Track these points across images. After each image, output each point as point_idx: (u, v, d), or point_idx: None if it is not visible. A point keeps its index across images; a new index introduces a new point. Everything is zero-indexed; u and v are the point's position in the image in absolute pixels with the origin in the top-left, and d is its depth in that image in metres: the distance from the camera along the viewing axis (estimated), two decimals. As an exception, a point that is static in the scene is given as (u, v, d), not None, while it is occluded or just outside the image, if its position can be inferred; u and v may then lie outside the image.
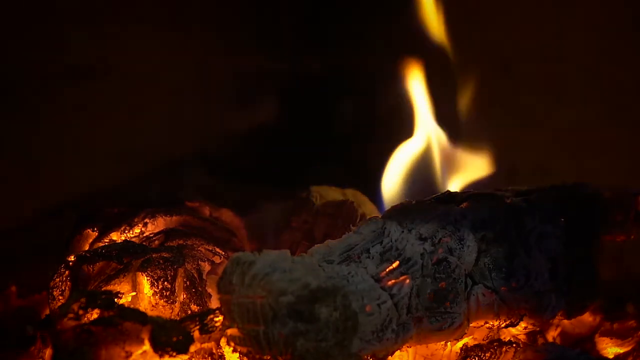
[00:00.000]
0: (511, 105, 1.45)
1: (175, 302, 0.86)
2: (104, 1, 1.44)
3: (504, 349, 0.85)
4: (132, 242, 0.92)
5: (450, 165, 1.09)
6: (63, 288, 0.88)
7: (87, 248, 0.95)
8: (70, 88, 1.40)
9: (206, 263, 0.93)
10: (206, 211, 1.04)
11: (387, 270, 0.77)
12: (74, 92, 1.41)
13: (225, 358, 0.82)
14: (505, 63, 1.44)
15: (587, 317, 0.97)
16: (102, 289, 0.84)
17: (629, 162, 1.28)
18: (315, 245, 0.80)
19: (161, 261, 0.87)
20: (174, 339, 0.75)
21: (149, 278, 0.86)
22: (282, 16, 1.69)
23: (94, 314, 0.76)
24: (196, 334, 0.77)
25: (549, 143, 1.39)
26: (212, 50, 1.61)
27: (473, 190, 0.89)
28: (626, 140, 1.29)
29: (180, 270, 0.88)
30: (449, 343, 0.87)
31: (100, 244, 0.94)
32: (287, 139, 1.72)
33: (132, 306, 0.83)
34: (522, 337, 0.90)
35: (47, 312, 0.90)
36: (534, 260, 0.83)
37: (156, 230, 0.96)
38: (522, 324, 0.86)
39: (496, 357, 0.85)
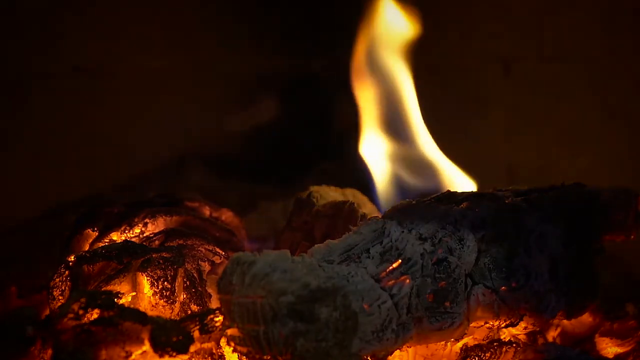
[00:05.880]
0: (511, 105, 1.45)
1: (175, 302, 0.86)
2: (105, 1, 1.44)
3: (504, 349, 0.85)
4: (132, 242, 0.92)
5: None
6: (63, 288, 0.88)
7: (87, 248, 0.95)
8: (70, 88, 1.40)
9: (206, 263, 0.93)
10: (206, 211, 1.04)
11: (387, 270, 0.77)
12: (74, 92, 1.41)
13: (225, 358, 0.82)
14: (505, 63, 1.44)
15: (587, 317, 0.97)
16: (102, 289, 0.84)
17: (628, 162, 1.28)
18: (315, 245, 0.80)
19: (161, 261, 0.87)
20: (174, 339, 0.75)
21: (149, 278, 0.86)
22: (282, 16, 1.69)
23: (94, 314, 0.76)
24: (196, 334, 0.77)
25: (549, 143, 1.40)
26: (212, 51, 1.61)
27: (473, 190, 0.89)
28: (626, 140, 1.29)
29: (180, 270, 0.88)
30: (449, 343, 0.87)
31: (100, 244, 0.94)
32: (286, 138, 1.72)
33: (132, 306, 0.83)
34: (522, 337, 0.90)
35: (47, 312, 0.90)
36: (534, 260, 0.83)
37: (156, 230, 0.96)
38: (522, 324, 0.86)
39: (496, 357, 0.85)
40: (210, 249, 0.94)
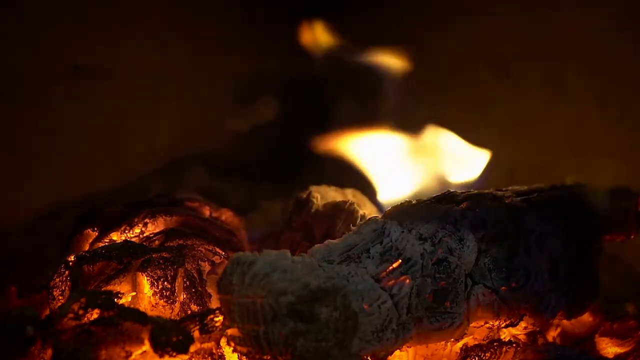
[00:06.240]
0: (511, 105, 1.45)
1: (175, 302, 0.86)
2: (105, 2, 1.44)
3: (504, 349, 0.85)
4: (132, 242, 0.92)
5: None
6: (63, 288, 0.88)
7: (87, 248, 0.95)
8: (70, 88, 1.40)
9: (206, 263, 0.93)
10: (206, 211, 1.04)
11: (387, 270, 0.77)
12: (74, 92, 1.41)
13: (225, 358, 0.82)
14: (505, 63, 1.44)
15: (587, 317, 0.97)
16: (102, 289, 0.84)
17: (629, 162, 1.28)
18: (315, 245, 0.80)
19: (161, 261, 0.87)
20: (174, 339, 0.75)
21: (149, 278, 0.86)
22: (281, 16, 1.69)
23: (94, 314, 0.76)
24: (196, 334, 0.77)
25: (549, 143, 1.39)
26: (212, 51, 1.61)
27: (473, 190, 0.89)
28: (626, 140, 1.29)
29: (180, 270, 0.88)
30: (449, 343, 0.87)
31: (100, 244, 0.94)
32: (286, 138, 1.72)
33: (132, 306, 0.83)
34: (522, 337, 0.90)
35: (47, 312, 0.90)
36: (534, 260, 0.83)
37: (156, 230, 0.96)
38: (522, 324, 0.86)
39: (496, 357, 0.85)
40: (210, 249, 0.94)
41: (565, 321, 0.93)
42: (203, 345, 0.80)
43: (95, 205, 1.02)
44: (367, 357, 0.77)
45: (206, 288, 0.90)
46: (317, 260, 0.76)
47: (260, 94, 1.70)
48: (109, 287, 0.85)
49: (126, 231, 0.95)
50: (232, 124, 1.67)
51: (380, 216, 0.86)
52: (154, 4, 1.51)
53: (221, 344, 0.81)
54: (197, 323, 0.77)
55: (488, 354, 0.85)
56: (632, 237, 0.95)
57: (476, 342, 0.87)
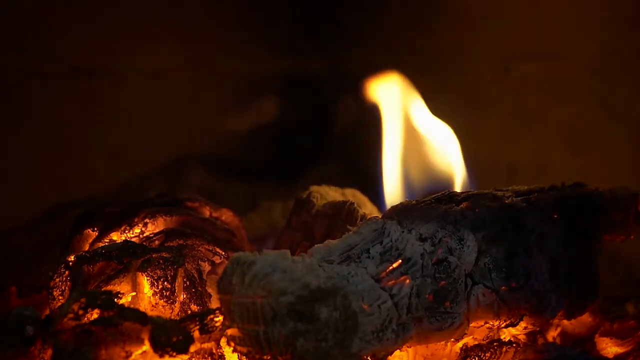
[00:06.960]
0: (511, 105, 1.45)
1: (175, 302, 0.86)
2: (104, 2, 1.44)
3: (504, 349, 0.85)
4: (132, 242, 0.92)
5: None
6: (63, 288, 0.88)
7: (87, 248, 0.95)
8: (70, 88, 1.40)
9: (206, 263, 0.93)
10: (206, 211, 1.04)
11: (387, 270, 0.77)
12: (74, 92, 1.41)
13: (225, 358, 0.82)
14: (505, 63, 1.44)
15: (587, 317, 0.97)
16: (102, 289, 0.84)
17: (629, 162, 1.28)
18: (315, 245, 0.80)
19: (161, 261, 0.87)
20: (174, 339, 0.75)
21: (149, 278, 0.86)
22: (281, 16, 1.69)
23: (94, 314, 0.76)
24: (196, 334, 0.77)
25: (549, 143, 1.40)
26: (211, 51, 1.61)
27: (473, 190, 0.89)
28: (626, 140, 1.29)
29: (180, 270, 0.88)
30: (449, 343, 0.87)
31: (100, 244, 0.94)
32: (287, 139, 1.72)
33: (132, 306, 0.83)
34: (522, 337, 0.90)
35: (47, 312, 0.90)
36: (534, 260, 0.83)
37: (156, 230, 0.96)
38: (522, 324, 0.86)
39: (496, 357, 0.85)
40: (210, 249, 0.94)
41: (565, 321, 0.93)
42: (203, 345, 0.80)
43: (95, 205, 1.02)
44: (367, 357, 0.77)
45: (206, 288, 0.90)
46: (317, 260, 0.76)
47: (260, 94, 1.70)
48: (109, 287, 0.85)
49: (126, 231, 0.95)
50: (232, 124, 1.67)
51: (380, 216, 0.86)
52: (154, 4, 1.51)
53: (221, 344, 0.81)
54: (197, 323, 0.77)
55: (488, 354, 0.85)
56: (632, 237, 0.95)
57: (476, 342, 0.87)
